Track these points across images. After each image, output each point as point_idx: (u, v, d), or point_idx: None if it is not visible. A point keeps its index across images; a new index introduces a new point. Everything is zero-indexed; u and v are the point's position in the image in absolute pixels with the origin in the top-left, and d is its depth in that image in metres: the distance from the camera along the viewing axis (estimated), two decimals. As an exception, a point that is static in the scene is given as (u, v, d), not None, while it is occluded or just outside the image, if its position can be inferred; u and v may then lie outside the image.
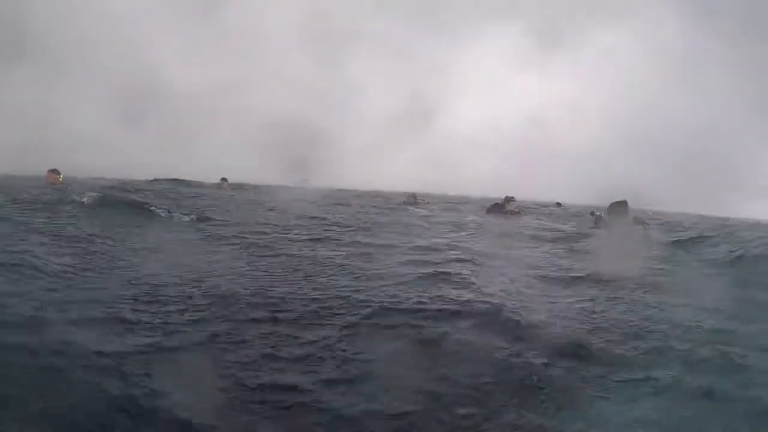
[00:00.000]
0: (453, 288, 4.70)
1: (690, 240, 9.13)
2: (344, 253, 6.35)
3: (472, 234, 9.41)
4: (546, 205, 21.09)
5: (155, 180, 19.29)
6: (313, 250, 6.43)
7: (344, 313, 3.78)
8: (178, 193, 14.38)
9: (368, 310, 3.85)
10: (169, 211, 8.82)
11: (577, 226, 11.47)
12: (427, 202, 17.50)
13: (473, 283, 4.91)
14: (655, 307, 4.36)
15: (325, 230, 8.50)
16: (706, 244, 8.54)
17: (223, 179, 21.37)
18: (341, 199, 17.20)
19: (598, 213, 10.76)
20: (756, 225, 15.07)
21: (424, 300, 4.16)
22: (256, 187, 20.93)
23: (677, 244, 8.69)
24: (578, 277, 5.57)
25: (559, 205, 22.75)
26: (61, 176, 13.75)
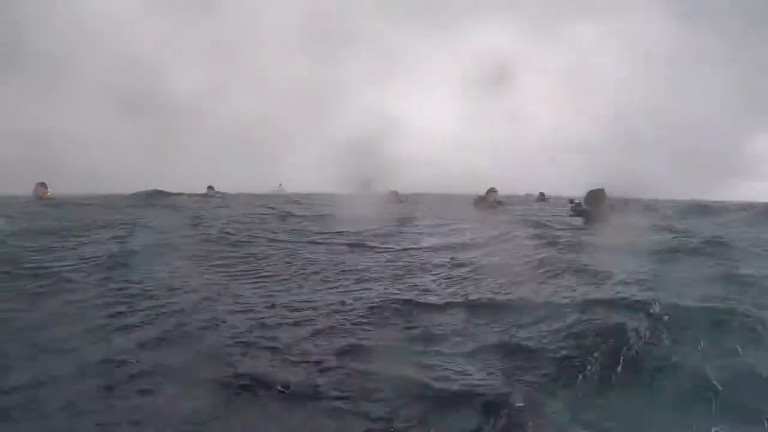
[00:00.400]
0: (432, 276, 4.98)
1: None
2: (327, 251, 6.61)
3: (448, 225, 9.72)
4: (529, 197, 21.46)
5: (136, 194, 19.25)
6: (304, 250, 6.66)
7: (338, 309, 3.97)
8: (157, 206, 14.29)
9: (366, 303, 4.05)
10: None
11: (555, 214, 11.79)
12: (409, 201, 17.74)
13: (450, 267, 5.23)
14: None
15: (315, 233, 8.69)
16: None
17: (210, 187, 21.45)
18: (318, 201, 17.37)
19: (576, 201, 11.01)
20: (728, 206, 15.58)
21: (412, 291, 4.41)
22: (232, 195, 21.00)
23: (651, 226, 9.04)
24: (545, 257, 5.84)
25: (542, 195, 23.17)
26: (49, 191, 13.78)
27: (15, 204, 11.39)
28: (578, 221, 10.49)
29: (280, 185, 23.96)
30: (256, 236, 7.80)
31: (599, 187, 11.31)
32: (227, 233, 7.85)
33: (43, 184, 13.81)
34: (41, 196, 13.39)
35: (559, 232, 8.65)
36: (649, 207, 15.96)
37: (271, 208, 13.93)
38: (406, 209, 13.99)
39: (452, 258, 5.92)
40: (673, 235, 8.03)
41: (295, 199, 20.30)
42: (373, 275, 5.13)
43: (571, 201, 11.10)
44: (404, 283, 4.76)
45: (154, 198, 17.27)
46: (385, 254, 6.38)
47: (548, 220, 10.67)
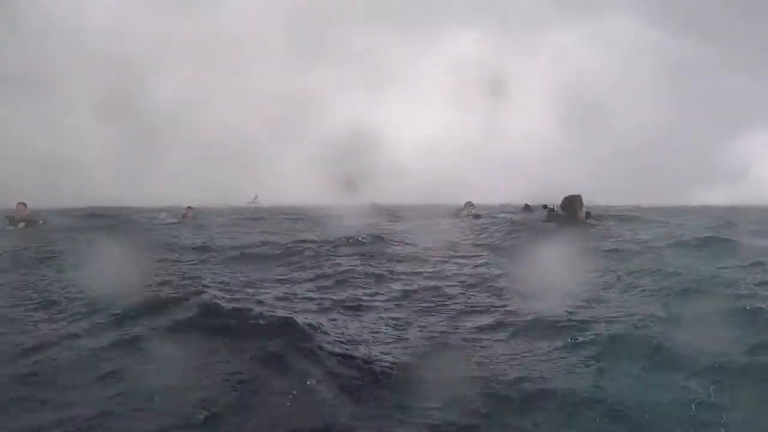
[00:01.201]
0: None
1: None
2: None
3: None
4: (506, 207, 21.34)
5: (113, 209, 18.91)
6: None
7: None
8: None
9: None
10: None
11: (529, 221, 11.63)
12: (390, 212, 17.49)
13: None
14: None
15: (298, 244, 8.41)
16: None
17: (189, 208, 20.96)
18: (296, 215, 17.12)
19: (551, 206, 10.86)
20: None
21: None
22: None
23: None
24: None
25: (528, 207, 22.82)
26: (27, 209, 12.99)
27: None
28: (551, 227, 10.29)
29: (256, 197, 23.81)
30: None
31: (576, 194, 11.20)
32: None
33: (23, 204, 12.61)
34: (24, 216, 12.25)
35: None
36: (632, 214, 15.84)
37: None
38: (382, 223, 13.76)
39: None
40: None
41: (263, 214, 19.99)
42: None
43: (545, 206, 10.96)
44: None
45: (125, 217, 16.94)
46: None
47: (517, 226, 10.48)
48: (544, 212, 10.98)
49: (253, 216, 19.82)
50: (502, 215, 14.78)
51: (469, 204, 14.94)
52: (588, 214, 10.78)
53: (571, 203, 10.68)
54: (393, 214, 16.99)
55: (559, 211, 10.77)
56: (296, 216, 17.16)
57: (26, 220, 12.09)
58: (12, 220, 12.02)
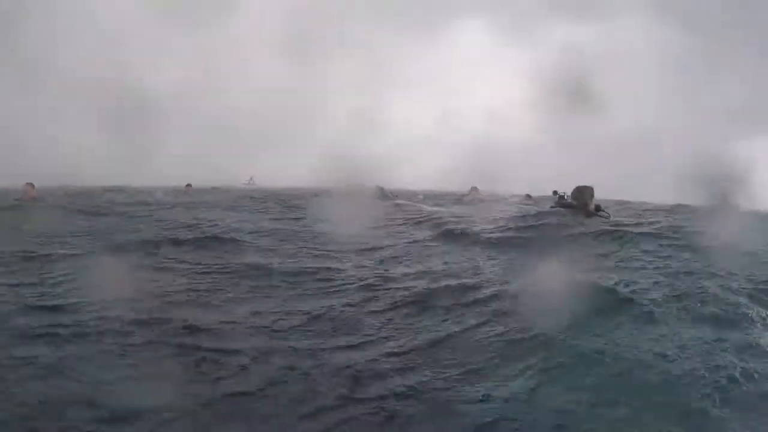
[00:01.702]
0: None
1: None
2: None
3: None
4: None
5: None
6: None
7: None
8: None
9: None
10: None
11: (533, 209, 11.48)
12: (396, 196, 17.28)
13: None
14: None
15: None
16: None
17: (188, 185, 21.07)
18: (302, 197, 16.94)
19: (561, 193, 10.69)
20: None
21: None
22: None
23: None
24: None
25: (529, 197, 22.65)
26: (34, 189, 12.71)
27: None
28: (561, 212, 10.08)
29: (251, 179, 23.69)
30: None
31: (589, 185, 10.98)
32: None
33: (30, 185, 12.52)
34: (33, 197, 12.23)
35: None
36: (638, 210, 15.64)
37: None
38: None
39: None
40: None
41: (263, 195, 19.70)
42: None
43: (555, 192, 10.81)
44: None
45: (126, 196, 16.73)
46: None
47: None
48: (554, 198, 10.81)
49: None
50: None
51: (474, 189, 15.05)
52: (597, 207, 10.59)
53: (582, 193, 10.50)
54: (398, 197, 16.84)
55: (569, 200, 10.60)
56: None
57: (34, 201, 12.08)
58: (20, 200, 12.01)
